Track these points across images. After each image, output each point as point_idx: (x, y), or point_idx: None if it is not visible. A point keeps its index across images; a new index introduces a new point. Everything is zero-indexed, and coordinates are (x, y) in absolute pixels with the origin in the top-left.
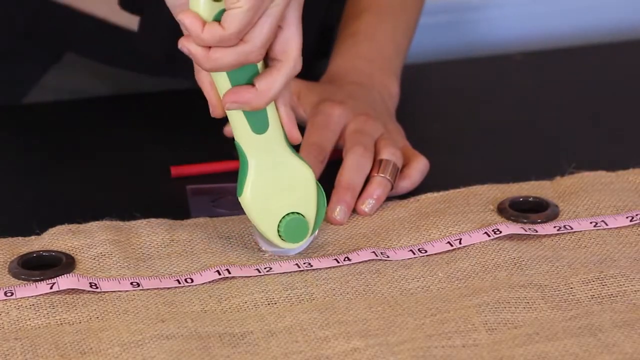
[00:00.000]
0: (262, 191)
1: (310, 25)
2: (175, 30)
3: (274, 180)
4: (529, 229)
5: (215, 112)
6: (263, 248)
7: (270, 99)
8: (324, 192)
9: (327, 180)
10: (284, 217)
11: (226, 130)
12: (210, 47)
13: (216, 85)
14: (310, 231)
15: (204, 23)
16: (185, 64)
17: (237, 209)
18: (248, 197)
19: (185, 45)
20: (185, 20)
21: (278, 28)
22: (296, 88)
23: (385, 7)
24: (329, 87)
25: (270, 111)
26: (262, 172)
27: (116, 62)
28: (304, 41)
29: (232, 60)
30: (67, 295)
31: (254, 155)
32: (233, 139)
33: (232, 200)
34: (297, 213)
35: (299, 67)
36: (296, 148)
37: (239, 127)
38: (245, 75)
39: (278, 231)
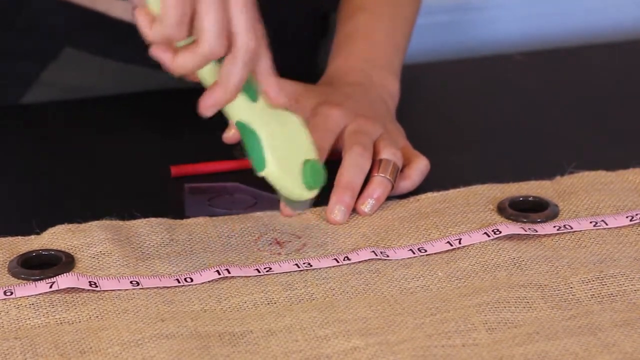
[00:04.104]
0: (279, 155)
1: (305, 9)
2: None
3: (282, 139)
4: (529, 228)
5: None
6: (294, 211)
7: (235, 84)
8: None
9: (327, 180)
10: (303, 168)
11: (226, 136)
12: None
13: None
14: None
15: (154, 20)
16: None
17: (233, 208)
18: (274, 167)
19: (154, 53)
20: (137, 17)
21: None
22: (294, 91)
23: (381, 5)
24: (327, 89)
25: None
26: (272, 137)
27: (115, 55)
28: (299, 25)
29: (196, 64)
30: (66, 295)
31: (260, 124)
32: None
33: (228, 199)
34: (308, 159)
35: (218, 44)
36: None
37: (238, 103)
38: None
39: (305, 184)
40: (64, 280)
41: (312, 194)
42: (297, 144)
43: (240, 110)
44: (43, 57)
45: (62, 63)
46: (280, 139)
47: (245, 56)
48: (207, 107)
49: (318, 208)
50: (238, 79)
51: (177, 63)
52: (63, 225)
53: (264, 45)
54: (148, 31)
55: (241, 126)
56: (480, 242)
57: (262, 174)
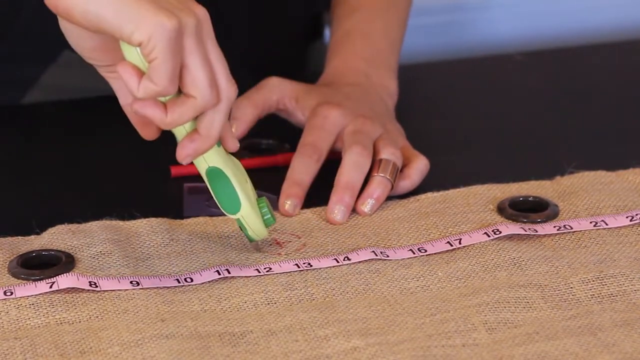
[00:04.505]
0: (247, 196)
1: (297, 12)
2: None
3: (242, 181)
4: (529, 228)
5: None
6: (257, 251)
7: (218, 132)
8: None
9: (326, 180)
10: (260, 207)
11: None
12: (165, 107)
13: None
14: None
15: (142, 74)
16: None
17: None
18: (249, 208)
19: (140, 110)
20: (123, 74)
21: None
22: (294, 92)
23: (375, 5)
24: (327, 89)
25: None
26: (238, 180)
27: None
28: (292, 24)
29: (190, 117)
30: (66, 295)
31: (228, 169)
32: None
33: None
34: (259, 197)
35: (213, 96)
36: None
37: (212, 150)
38: None
39: (266, 221)
40: (64, 280)
41: (267, 231)
42: (248, 185)
43: (213, 157)
44: (43, 60)
45: (62, 65)
46: (241, 181)
47: (228, 105)
48: (187, 156)
49: (318, 208)
50: (221, 128)
51: (172, 118)
52: (63, 225)
53: None
54: (136, 87)
55: (214, 172)
56: (480, 242)
57: (236, 216)
